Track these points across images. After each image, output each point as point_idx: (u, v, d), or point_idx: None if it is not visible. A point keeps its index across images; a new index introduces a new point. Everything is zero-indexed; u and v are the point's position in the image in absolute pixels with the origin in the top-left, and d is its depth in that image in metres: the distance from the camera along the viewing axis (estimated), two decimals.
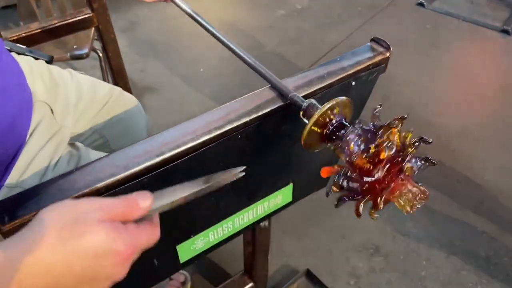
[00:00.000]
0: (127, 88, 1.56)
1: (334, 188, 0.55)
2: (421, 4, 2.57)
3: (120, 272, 0.37)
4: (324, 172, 0.56)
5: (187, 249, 0.76)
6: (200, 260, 1.38)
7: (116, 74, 1.49)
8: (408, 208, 0.54)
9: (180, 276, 1.29)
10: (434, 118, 1.86)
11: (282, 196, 0.85)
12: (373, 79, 0.80)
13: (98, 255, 0.34)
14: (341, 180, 0.54)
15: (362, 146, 0.55)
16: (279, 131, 0.70)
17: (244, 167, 0.48)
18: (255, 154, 0.71)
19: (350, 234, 1.46)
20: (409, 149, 0.56)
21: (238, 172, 0.48)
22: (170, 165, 0.55)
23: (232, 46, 0.74)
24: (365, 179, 0.53)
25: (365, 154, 0.53)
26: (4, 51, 0.66)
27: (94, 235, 0.34)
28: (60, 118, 0.78)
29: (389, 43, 0.79)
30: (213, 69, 2.11)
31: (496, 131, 1.81)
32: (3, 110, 0.59)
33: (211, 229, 0.77)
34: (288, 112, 0.66)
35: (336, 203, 0.56)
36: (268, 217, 0.87)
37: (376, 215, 0.56)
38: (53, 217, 0.34)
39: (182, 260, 0.77)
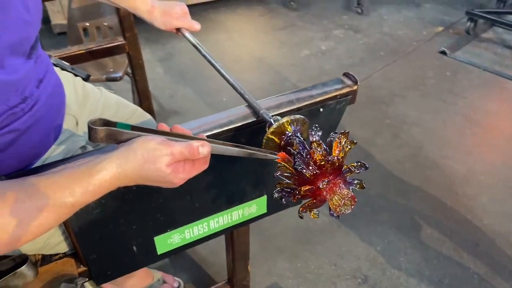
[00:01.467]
0: (149, 109, 1.74)
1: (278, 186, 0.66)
2: (443, 52, 2.65)
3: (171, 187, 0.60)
4: (281, 156, 0.67)
5: (164, 242, 0.87)
6: (192, 268, 1.49)
7: (141, 95, 1.68)
8: (338, 208, 0.64)
9: (174, 282, 1.39)
10: (441, 160, 1.90)
11: (257, 206, 0.96)
12: (341, 108, 0.91)
13: (158, 178, 0.57)
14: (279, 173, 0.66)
15: (303, 153, 0.65)
16: (252, 143, 0.82)
17: (276, 154, 0.67)
18: (231, 162, 0.82)
19: (342, 262, 1.51)
20: (341, 157, 0.66)
21: (274, 157, 0.67)
22: None
23: (222, 70, 0.87)
24: (299, 175, 0.64)
25: (302, 157, 0.64)
26: (50, 64, 0.82)
27: (160, 170, 0.56)
28: (82, 129, 0.93)
29: (357, 78, 0.90)
30: (234, 99, 2.27)
31: (503, 178, 1.82)
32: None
33: (186, 226, 0.88)
34: (259, 128, 0.77)
35: (276, 195, 0.67)
36: (244, 224, 0.96)
37: (316, 213, 0.66)
38: (142, 144, 0.56)
39: (159, 252, 0.88)
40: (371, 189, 1.78)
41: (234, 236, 1.02)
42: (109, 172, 0.55)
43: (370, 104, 2.26)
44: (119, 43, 1.51)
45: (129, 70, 1.97)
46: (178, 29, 0.99)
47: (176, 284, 1.39)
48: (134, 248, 0.84)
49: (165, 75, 2.50)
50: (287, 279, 1.46)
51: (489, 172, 1.85)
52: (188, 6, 1.03)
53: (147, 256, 0.88)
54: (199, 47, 0.93)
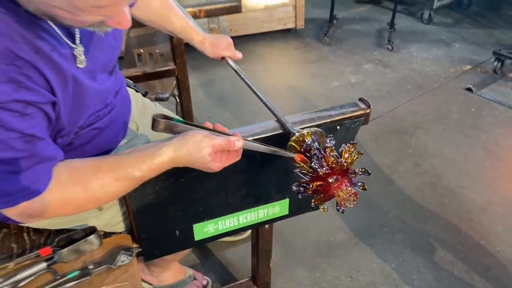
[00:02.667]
0: None
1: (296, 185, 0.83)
2: (469, 89, 2.77)
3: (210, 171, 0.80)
4: (298, 158, 0.84)
5: (201, 230, 1.05)
6: (219, 271, 1.64)
7: (185, 115, 1.90)
8: (343, 201, 0.80)
9: (204, 280, 1.56)
10: (459, 189, 2.00)
11: (280, 207, 1.12)
12: (356, 127, 1.08)
13: (201, 164, 0.77)
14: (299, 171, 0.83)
15: (319, 155, 0.82)
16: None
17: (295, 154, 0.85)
18: (259, 165, 1.00)
19: (357, 275, 1.63)
20: (349, 161, 0.82)
21: (292, 155, 0.85)
22: None
23: (257, 92, 1.07)
24: (314, 173, 0.80)
25: (318, 159, 0.81)
26: (123, 80, 1.05)
27: (203, 157, 0.75)
28: (141, 134, 1.15)
29: (369, 103, 1.07)
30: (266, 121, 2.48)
31: None
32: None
33: (220, 218, 1.05)
34: (285, 138, 0.95)
35: (294, 188, 0.83)
36: (268, 222, 1.13)
37: (325, 207, 0.83)
38: (192, 136, 0.75)
39: (196, 238, 1.05)
40: (390, 212, 1.90)
41: (259, 234, 1.19)
42: (166, 156, 0.75)
43: (394, 134, 2.39)
44: (170, 67, 1.75)
45: (175, 92, 2.22)
46: (223, 58, 1.20)
47: (205, 282, 1.55)
48: (177, 232, 1.02)
49: (205, 99, 2.75)
50: (305, 286, 1.59)
51: (505, 204, 1.92)
52: (231, 37, 1.24)
53: (186, 241, 1.05)
54: (239, 72, 1.14)
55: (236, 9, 1.70)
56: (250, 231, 1.73)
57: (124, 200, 0.94)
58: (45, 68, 0.66)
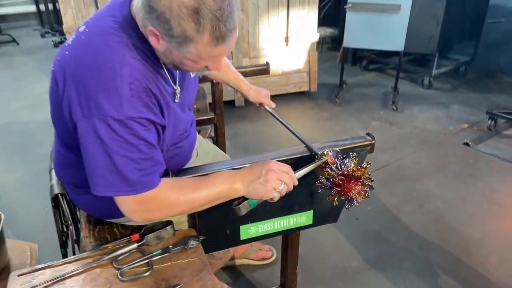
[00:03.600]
0: None
1: (322, 181, 1.15)
2: (467, 144, 3.10)
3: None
4: (330, 159, 1.17)
5: (245, 231, 1.35)
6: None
7: None
8: (359, 198, 1.12)
9: None
10: (459, 226, 2.27)
11: (306, 217, 1.42)
12: (364, 154, 1.41)
13: (264, 189, 1.06)
14: (323, 179, 1.15)
15: (337, 169, 1.15)
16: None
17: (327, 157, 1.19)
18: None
19: None
20: (359, 173, 1.14)
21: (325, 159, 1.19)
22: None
23: (288, 126, 1.42)
24: (335, 180, 1.13)
25: (336, 171, 1.14)
26: (194, 116, 1.42)
27: (268, 182, 1.05)
28: (198, 159, 1.50)
29: (374, 136, 1.42)
30: None
31: None
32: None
33: (260, 222, 1.36)
34: (311, 158, 1.28)
35: (318, 188, 1.15)
36: (296, 230, 1.42)
37: (336, 201, 1.14)
38: (263, 164, 1.08)
39: (241, 238, 1.35)
40: (397, 243, 2.16)
41: (288, 241, 1.48)
42: (240, 192, 1.08)
43: (400, 180, 2.70)
44: (211, 116, 2.14)
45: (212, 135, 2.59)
46: (261, 104, 1.59)
47: None
48: (227, 231, 1.33)
49: (231, 148, 3.12)
50: None
51: (501, 238, 2.17)
52: None
53: (233, 239, 1.35)
54: (274, 114, 1.52)
55: (266, 71, 2.12)
56: (275, 255, 2.01)
57: None
58: (162, 101, 1.03)
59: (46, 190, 1.35)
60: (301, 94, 4.06)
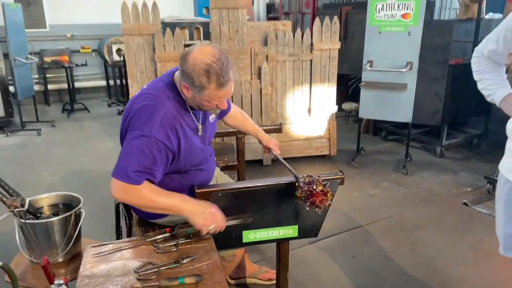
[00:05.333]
0: None
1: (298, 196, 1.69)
2: (466, 204, 3.46)
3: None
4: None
5: (246, 236, 1.86)
6: None
7: None
8: (321, 203, 1.64)
9: None
10: (444, 268, 2.61)
11: (293, 230, 1.92)
12: (336, 185, 1.93)
13: (201, 222, 1.60)
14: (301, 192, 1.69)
15: (311, 185, 1.69)
16: (291, 193, 1.85)
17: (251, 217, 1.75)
18: (279, 201, 1.86)
19: None
20: (323, 188, 1.68)
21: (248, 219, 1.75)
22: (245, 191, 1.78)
23: (290, 168, 1.99)
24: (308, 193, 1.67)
25: (311, 187, 1.68)
26: (213, 153, 2.03)
27: (206, 219, 1.59)
28: (217, 179, 2.08)
29: (343, 172, 1.94)
30: None
31: (492, 284, 2.45)
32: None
33: (257, 230, 1.86)
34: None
35: (299, 200, 1.69)
36: (285, 240, 1.90)
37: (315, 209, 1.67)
38: (210, 206, 1.63)
39: (243, 241, 1.85)
40: (388, 277, 2.53)
41: (280, 248, 1.97)
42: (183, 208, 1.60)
43: (397, 228, 3.09)
44: (234, 163, 2.75)
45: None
46: (270, 149, 2.19)
47: None
48: (233, 233, 1.85)
49: None
50: None
51: (478, 278, 2.49)
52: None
53: (237, 241, 1.86)
54: (278, 156, 2.09)
55: (279, 130, 2.73)
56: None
57: None
58: (181, 135, 1.64)
59: (107, 217, 1.97)
60: (322, 157, 4.61)
